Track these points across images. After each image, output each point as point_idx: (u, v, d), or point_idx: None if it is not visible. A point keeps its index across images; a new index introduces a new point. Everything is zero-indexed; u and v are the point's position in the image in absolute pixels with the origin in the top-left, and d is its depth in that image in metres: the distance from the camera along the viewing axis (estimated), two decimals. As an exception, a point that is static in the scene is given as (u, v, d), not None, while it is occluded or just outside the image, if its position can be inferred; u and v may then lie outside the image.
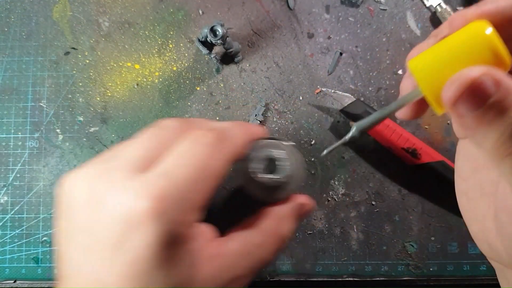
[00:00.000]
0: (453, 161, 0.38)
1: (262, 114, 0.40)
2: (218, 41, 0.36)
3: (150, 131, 0.25)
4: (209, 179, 0.24)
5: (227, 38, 0.38)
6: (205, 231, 0.27)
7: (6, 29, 0.41)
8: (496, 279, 0.39)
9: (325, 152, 0.28)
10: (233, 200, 0.39)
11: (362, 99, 0.40)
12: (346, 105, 0.39)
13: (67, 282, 0.23)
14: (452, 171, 0.38)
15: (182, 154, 0.24)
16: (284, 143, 0.30)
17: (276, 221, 0.28)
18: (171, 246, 0.22)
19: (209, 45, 0.38)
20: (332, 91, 0.39)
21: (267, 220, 0.28)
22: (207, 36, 0.37)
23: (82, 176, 0.24)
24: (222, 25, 0.36)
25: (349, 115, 0.39)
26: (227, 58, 0.41)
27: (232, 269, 0.25)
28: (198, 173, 0.23)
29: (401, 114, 0.28)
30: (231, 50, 0.39)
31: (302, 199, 0.30)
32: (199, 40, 0.38)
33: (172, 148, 0.24)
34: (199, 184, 0.23)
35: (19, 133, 0.40)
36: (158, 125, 0.26)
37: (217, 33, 0.36)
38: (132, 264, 0.22)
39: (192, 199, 0.23)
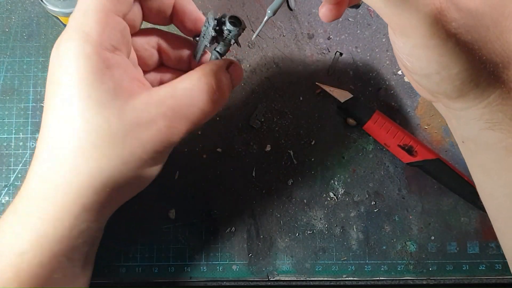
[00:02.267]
0: (451, 160, 0.39)
1: (262, 114, 0.40)
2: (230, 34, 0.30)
3: None
4: None
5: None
6: (130, 71, 0.28)
7: (7, 30, 0.41)
8: (495, 279, 0.39)
9: (254, 36, 0.30)
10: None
11: (362, 99, 0.40)
12: (343, 101, 0.39)
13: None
14: (447, 169, 0.38)
15: None
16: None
17: (202, 71, 0.28)
18: (82, 65, 0.25)
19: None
20: (330, 87, 0.39)
21: (199, 69, 0.28)
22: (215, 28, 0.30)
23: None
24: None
25: (346, 111, 0.40)
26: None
27: (159, 106, 0.26)
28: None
29: (321, 14, 0.29)
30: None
31: (230, 60, 0.31)
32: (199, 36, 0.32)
33: None
34: (98, 5, 0.25)
35: (20, 134, 0.40)
36: None
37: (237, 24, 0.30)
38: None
39: (95, 19, 0.25)
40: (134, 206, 0.39)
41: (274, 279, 0.39)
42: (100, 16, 0.25)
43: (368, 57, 0.41)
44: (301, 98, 0.41)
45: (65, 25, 0.38)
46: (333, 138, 0.40)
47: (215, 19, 0.30)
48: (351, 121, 0.40)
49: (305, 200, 0.40)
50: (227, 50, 0.31)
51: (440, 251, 0.39)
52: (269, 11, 0.28)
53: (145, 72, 0.32)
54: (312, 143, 0.40)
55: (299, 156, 0.40)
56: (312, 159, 0.40)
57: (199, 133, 0.40)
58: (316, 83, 0.40)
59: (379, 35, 0.41)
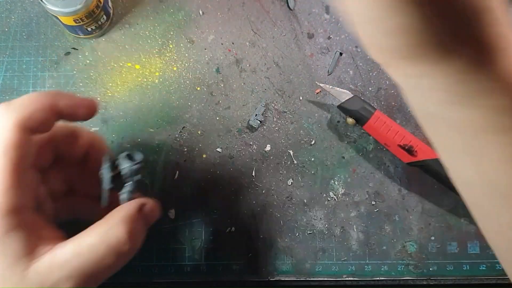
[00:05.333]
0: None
1: (262, 114, 0.40)
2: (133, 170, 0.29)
3: None
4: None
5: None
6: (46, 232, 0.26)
7: (6, 29, 0.41)
8: (495, 279, 0.39)
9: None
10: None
11: (362, 99, 0.40)
12: (343, 101, 0.39)
13: None
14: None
15: None
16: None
17: (110, 222, 0.27)
18: None
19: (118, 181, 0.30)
20: (330, 87, 0.39)
21: (106, 220, 0.27)
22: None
23: None
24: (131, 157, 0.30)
25: (346, 111, 0.39)
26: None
27: (62, 268, 0.25)
28: None
29: None
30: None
31: (142, 200, 0.29)
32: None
33: None
34: None
35: (20, 133, 0.40)
36: None
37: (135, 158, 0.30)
38: None
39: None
40: (134, 206, 0.39)
41: (274, 279, 0.39)
42: (6, 182, 0.25)
43: (368, 57, 0.41)
44: (301, 98, 0.41)
45: (64, 25, 0.38)
46: (333, 138, 0.40)
47: (110, 160, 0.30)
48: (351, 121, 0.40)
49: (305, 200, 0.40)
50: (135, 188, 0.30)
51: (441, 251, 0.39)
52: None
53: (54, 200, 0.31)
54: (312, 143, 0.40)
55: (299, 156, 0.40)
56: (312, 159, 0.40)
57: (199, 133, 0.40)
58: (316, 82, 0.40)
59: (379, 34, 0.41)
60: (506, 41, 0.20)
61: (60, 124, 0.29)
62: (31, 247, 0.25)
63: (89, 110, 0.29)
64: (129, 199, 0.30)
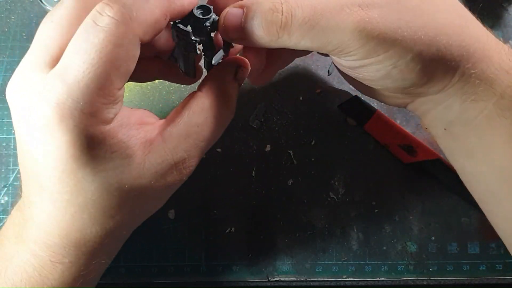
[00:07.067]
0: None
1: (262, 114, 0.40)
2: (207, 24, 0.26)
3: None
4: (114, 68, 0.22)
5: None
6: (132, 119, 0.26)
7: (6, 30, 0.41)
8: (496, 279, 0.39)
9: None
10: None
11: (362, 99, 0.40)
12: (344, 101, 0.39)
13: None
14: (448, 169, 0.38)
15: (77, 46, 0.22)
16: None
17: (216, 93, 0.27)
18: (88, 147, 0.23)
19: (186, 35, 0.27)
20: (331, 87, 0.39)
21: (207, 94, 0.27)
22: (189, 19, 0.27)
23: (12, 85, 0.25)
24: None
25: (346, 111, 0.39)
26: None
27: (174, 152, 0.25)
28: (99, 67, 0.22)
29: (252, 83, 0.31)
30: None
31: (234, 63, 0.28)
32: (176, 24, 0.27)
33: (73, 37, 0.22)
34: (102, 78, 0.22)
35: (20, 134, 0.40)
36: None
37: (209, 13, 0.26)
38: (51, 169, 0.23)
39: (97, 95, 0.22)
40: (134, 206, 0.39)
41: (274, 279, 0.39)
42: (104, 93, 0.23)
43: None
44: (301, 98, 0.41)
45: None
46: (333, 138, 0.40)
47: (179, 24, 0.26)
48: (351, 121, 0.40)
49: (305, 200, 0.40)
50: (213, 44, 0.28)
51: (441, 252, 0.39)
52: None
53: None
54: (312, 143, 0.40)
55: (299, 156, 0.40)
56: (312, 159, 0.40)
57: (199, 133, 0.40)
58: (316, 83, 0.40)
59: (379, 34, 0.41)
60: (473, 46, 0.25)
61: None
62: (138, 142, 0.25)
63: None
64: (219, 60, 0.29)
